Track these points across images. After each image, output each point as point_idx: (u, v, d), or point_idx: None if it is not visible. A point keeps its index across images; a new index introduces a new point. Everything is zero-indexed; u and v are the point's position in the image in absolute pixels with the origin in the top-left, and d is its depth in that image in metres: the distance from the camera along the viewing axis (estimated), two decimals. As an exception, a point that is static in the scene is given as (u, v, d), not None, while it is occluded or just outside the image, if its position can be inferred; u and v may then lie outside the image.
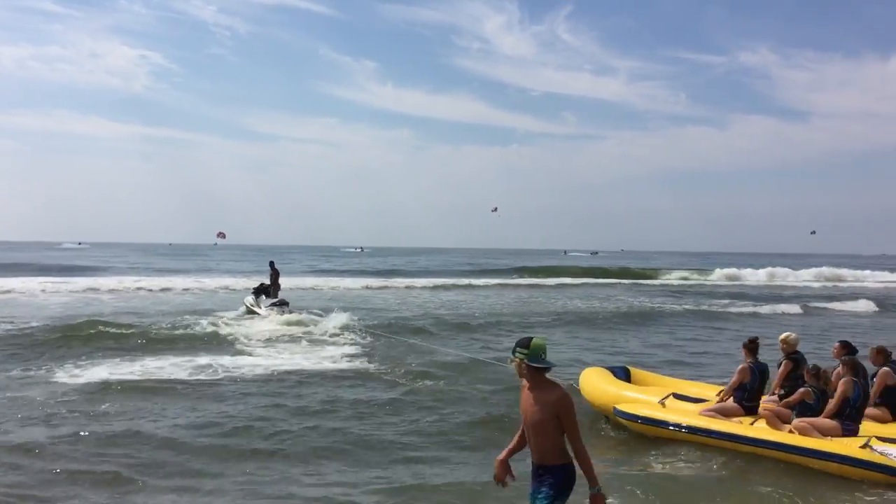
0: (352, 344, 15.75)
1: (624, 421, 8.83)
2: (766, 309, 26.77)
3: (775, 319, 23.72)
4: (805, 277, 53.25)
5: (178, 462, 7.52)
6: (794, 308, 27.70)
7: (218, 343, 15.46)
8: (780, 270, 55.38)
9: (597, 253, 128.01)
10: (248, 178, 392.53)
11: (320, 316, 19.56)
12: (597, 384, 9.69)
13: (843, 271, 57.82)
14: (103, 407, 9.49)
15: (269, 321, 18.80)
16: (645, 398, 9.14)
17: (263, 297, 21.29)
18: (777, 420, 7.86)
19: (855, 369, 7.66)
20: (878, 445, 7.17)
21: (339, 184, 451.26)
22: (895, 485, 6.74)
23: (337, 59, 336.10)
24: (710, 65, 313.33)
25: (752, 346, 8.55)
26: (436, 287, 37.07)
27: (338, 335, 16.79)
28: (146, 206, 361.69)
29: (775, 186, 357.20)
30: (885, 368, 8.20)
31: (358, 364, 13.28)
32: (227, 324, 18.25)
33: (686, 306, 27.63)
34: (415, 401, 10.37)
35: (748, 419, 8.14)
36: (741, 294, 36.23)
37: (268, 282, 21.83)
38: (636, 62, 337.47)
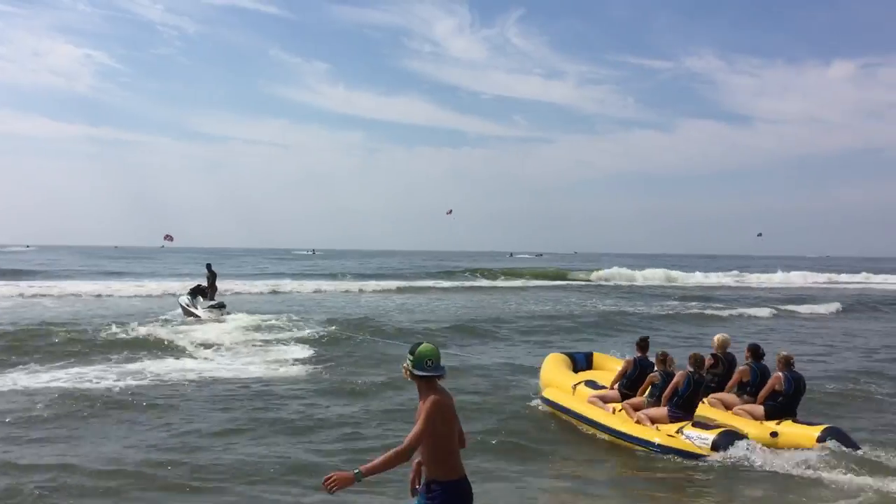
0: (296, 343, 16.10)
1: (543, 404, 10.16)
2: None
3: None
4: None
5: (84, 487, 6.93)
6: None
7: (150, 348, 15.21)
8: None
9: (541, 255, 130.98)
10: (197, 180, 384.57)
11: (263, 319, 19.83)
12: (547, 371, 10.94)
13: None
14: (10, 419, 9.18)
15: (210, 325, 18.86)
16: (567, 384, 10.33)
17: (200, 298, 21.46)
18: (630, 409, 8.92)
19: (697, 364, 8.63)
20: (690, 431, 8.15)
21: (291, 186, 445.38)
22: (701, 462, 7.72)
23: (287, 60, 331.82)
24: (658, 70, 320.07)
25: (642, 344, 9.71)
26: (385, 290, 37.59)
27: (280, 339, 16.93)
28: (92, 208, 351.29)
29: (722, 190, 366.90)
30: (778, 374, 8.78)
31: (298, 370, 13.25)
32: (164, 328, 18.17)
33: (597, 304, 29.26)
34: (358, 414, 9.98)
35: (619, 405, 9.25)
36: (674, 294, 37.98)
37: (205, 283, 22.00)
38: (585, 66, 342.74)
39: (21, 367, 13.02)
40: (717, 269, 66.82)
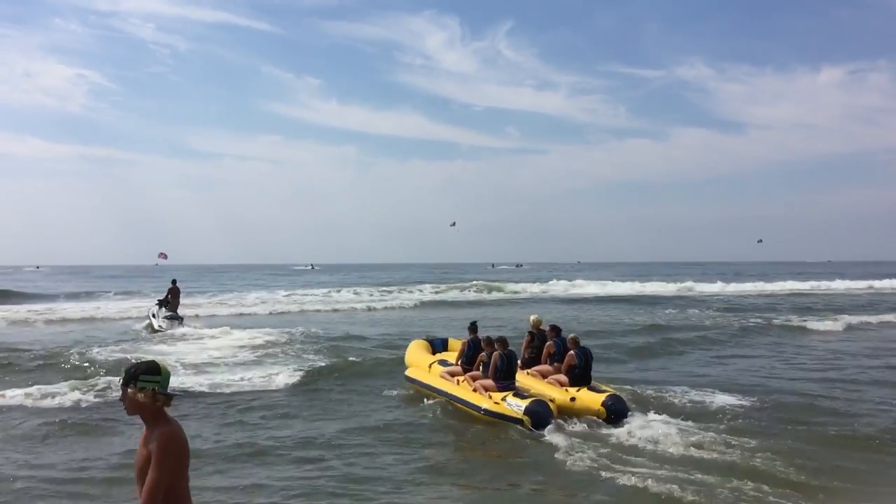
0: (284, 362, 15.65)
1: (407, 381, 12.56)
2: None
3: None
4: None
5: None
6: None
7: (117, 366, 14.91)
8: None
9: (521, 265, 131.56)
10: (192, 198, 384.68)
11: (227, 332, 20.38)
12: (411, 354, 13.39)
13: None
14: None
15: (192, 344, 18.94)
16: (425, 363, 12.57)
17: (163, 309, 23.31)
18: (470, 380, 10.90)
19: (504, 345, 10.60)
20: (511, 399, 10.02)
21: (286, 201, 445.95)
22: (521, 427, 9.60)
23: (279, 76, 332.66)
24: (648, 78, 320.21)
25: (473, 328, 12.01)
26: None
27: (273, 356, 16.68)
28: (85, 228, 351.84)
29: (716, 197, 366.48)
30: (570, 352, 10.90)
31: (277, 388, 12.98)
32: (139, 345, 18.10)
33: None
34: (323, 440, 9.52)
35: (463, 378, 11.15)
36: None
37: (168, 297, 23.74)
38: (576, 77, 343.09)
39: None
40: (719, 278, 65.68)
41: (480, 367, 10.96)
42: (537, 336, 11.99)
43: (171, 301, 23.71)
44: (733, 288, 51.51)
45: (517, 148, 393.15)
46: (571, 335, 11.32)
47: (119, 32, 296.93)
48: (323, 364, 15.27)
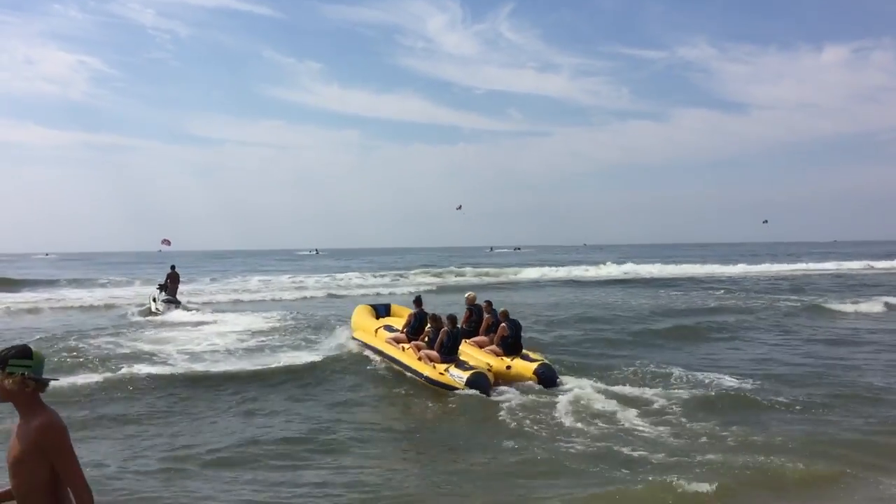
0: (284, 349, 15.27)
1: (355, 343, 13.98)
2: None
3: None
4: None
5: None
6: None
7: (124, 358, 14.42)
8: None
9: (519, 249, 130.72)
10: (194, 183, 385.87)
11: (230, 317, 20.32)
12: (356, 318, 14.71)
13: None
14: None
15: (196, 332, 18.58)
16: (371, 328, 13.85)
17: (163, 293, 24.06)
18: (416, 349, 11.94)
19: (453, 324, 11.62)
20: (453, 371, 10.93)
21: (288, 186, 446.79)
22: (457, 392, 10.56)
23: (281, 60, 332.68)
24: (651, 60, 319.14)
25: (418, 302, 13.24)
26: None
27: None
28: (89, 215, 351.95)
29: (721, 178, 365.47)
30: (502, 324, 12.02)
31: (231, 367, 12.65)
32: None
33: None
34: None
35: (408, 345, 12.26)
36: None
37: (167, 281, 24.43)
38: (579, 58, 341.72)
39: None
40: (727, 259, 64.69)
41: (426, 340, 11.83)
42: (474, 311, 13.11)
43: (169, 286, 24.35)
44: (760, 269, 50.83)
45: (520, 131, 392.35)
46: (503, 309, 12.50)
47: (119, 18, 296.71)
48: (323, 350, 14.82)
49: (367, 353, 13.37)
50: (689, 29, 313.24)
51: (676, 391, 10.72)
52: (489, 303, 13.19)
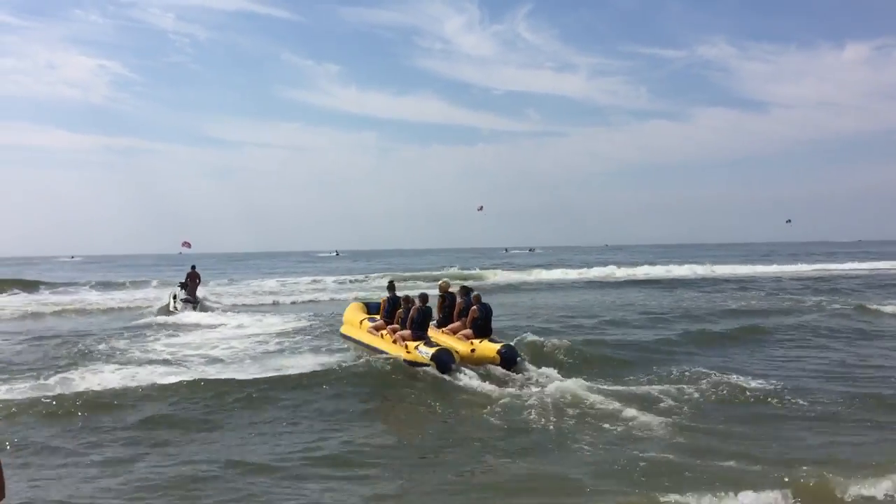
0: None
1: (341, 337, 15.01)
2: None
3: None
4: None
5: None
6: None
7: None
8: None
9: (534, 250, 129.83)
10: (214, 186, 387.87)
11: (252, 320, 19.65)
12: (347, 315, 15.31)
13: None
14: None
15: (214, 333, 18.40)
16: (356, 321, 14.51)
17: (182, 292, 24.89)
18: (391, 332, 12.80)
19: (424, 301, 12.55)
20: (422, 348, 11.76)
21: (307, 188, 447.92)
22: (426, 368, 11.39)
23: (299, 63, 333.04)
24: (670, 59, 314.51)
25: (391, 287, 14.12)
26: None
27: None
28: (110, 218, 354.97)
29: (742, 178, 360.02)
30: (474, 307, 12.64)
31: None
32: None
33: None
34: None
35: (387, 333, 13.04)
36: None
37: (187, 280, 25.29)
38: (597, 58, 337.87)
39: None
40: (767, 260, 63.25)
41: (400, 321, 12.81)
42: (447, 297, 13.47)
43: (189, 285, 25.18)
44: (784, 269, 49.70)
45: (538, 131, 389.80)
46: (475, 293, 13.12)
47: (139, 23, 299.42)
48: (341, 352, 14.30)
49: (350, 345, 14.14)
50: (708, 28, 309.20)
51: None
52: (465, 289, 13.34)
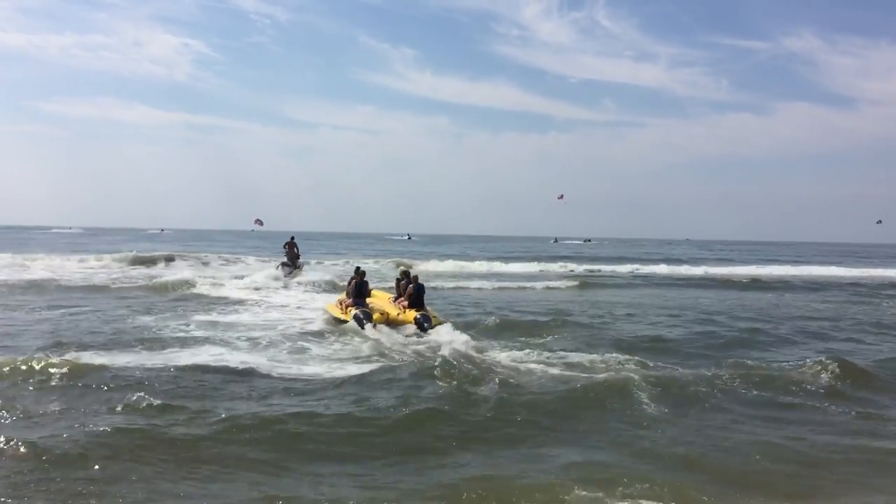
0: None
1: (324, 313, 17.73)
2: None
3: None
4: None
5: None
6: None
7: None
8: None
9: (589, 240, 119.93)
10: (288, 166, 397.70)
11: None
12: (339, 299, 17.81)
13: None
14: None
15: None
16: (338, 301, 17.60)
17: (286, 259, 29.73)
18: (342, 303, 16.77)
19: (360, 275, 16.76)
20: (353, 311, 15.72)
21: (378, 171, 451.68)
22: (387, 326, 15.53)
23: (376, 46, 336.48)
24: (753, 51, 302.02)
25: (357, 271, 17.32)
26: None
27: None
28: (189, 193, 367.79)
29: (825, 174, 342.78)
30: (410, 285, 16.46)
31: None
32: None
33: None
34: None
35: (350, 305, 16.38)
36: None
37: (287, 249, 30.01)
38: (677, 48, 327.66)
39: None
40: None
41: (347, 294, 16.78)
42: (403, 278, 17.39)
43: (288, 252, 30.01)
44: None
45: (613, 121, 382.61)
46: (414, 275, 17.25)
47: (222, 3, 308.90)
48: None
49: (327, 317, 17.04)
50: (794, 20, 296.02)
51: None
52: (406, 272, 17.71)
